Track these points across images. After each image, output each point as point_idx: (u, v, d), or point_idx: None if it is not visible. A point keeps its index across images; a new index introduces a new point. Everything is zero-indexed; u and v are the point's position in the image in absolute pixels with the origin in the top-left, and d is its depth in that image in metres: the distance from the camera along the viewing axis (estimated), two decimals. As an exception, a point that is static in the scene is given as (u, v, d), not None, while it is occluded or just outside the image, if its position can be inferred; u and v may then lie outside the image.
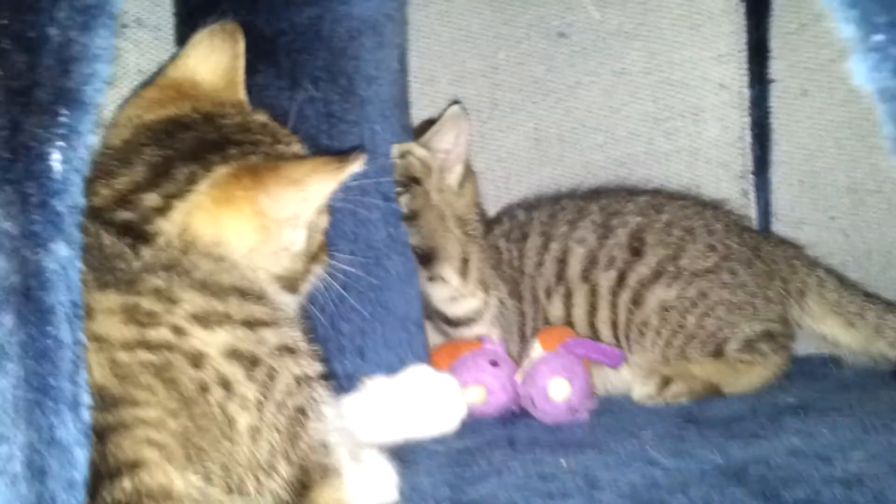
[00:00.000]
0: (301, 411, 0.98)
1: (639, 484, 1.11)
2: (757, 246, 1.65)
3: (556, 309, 1.64)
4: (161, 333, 0.92)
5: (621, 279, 1.60)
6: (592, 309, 1.62)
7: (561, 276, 1.64)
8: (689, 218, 1.65)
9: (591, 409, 1.46)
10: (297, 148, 1.17)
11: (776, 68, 1.77)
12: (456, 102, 1.68)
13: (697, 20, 1.79)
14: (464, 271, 1.64)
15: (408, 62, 1.68)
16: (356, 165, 1.06)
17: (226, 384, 0.92)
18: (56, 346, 0.79)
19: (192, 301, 0.95)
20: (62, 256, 0.79)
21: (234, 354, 0.94)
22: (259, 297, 1.03)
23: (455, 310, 1.66)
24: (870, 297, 1.63)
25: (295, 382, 0.99)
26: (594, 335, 1.62)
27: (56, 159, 0.77)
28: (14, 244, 0.79)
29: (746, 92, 1.79)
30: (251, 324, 0.97)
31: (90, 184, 1.00)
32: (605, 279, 1.61)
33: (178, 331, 0.92)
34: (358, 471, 1.08)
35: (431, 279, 1.64)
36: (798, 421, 1.32)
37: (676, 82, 1.82)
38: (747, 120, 1.79)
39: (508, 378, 1.50)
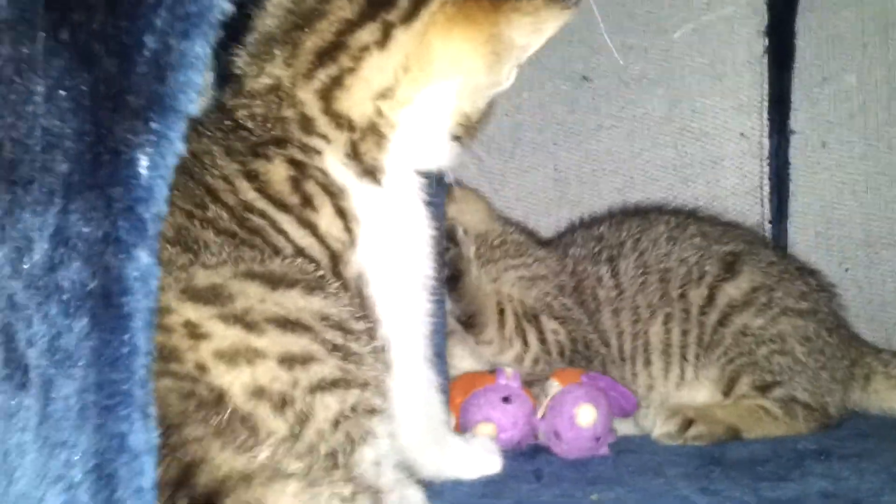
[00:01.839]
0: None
1: (675, 519, 1.11)
2: (839, 321, 1.69)
3: (656, 332, 1.66)
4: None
5: (711, 297, 1.63)
6: (685, 329, 1.65)
7: (664, 295, 1.66)
8: (789, 264, 1.68)
9: (611, 442, 1.47)
10: None
11: (797, 120, 1.80)
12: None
13: (720, 70, 1.82)
14: (501, 323, 1.65)
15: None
16: (575, 12, 1.14)
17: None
18: (131, 352, 0.78)
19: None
20: (143, 264, 0.79)
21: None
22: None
23: (502, 359, 1.66)
24: None
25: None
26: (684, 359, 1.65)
27: (144, 165, 0.78)
28: (94, 249, 0.78)
29: (766, 142, 1.82)
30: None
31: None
32: (698, 296, 1.64)
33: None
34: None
35: (477, 343, 1.66)
36: (822, 466, 1.33)
37: (697, 130, 1.85)
38: (766, 170, 1.82)
39: (521, 414, 1.49)
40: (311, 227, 1.10)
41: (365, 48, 1.11)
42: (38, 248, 0.79)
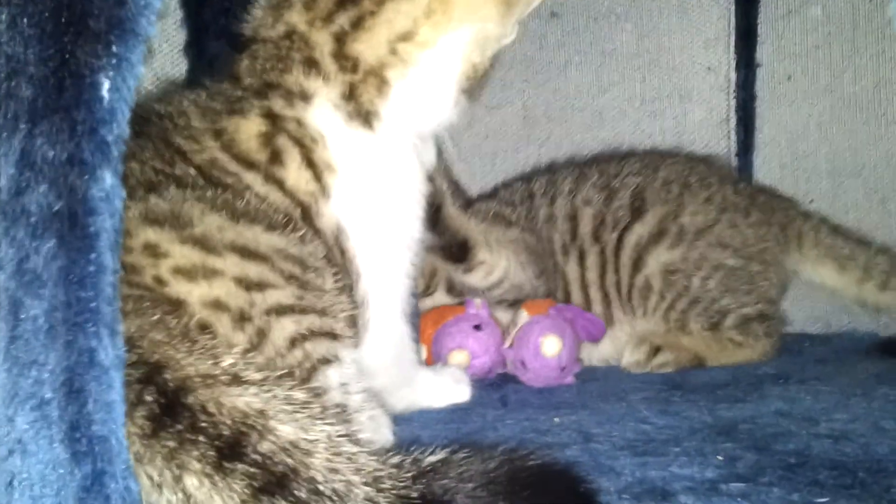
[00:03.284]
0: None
1: (633, 438, 1.15)
2: (752, 195, 1.71)
3: (571, 268, 1.69)
4: None
5: (620, 240, 1.65)
6: (602, 271, 1.67)
7: (574, 236, 1.69)
8: (685, 173, 1.69)
9: (577, 372, 1.51)
10: None
11: (763, 53, 1.82)
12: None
13: (687, 4, 1.84)
14: (487, 242, 1.67)
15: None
16: None
17: None
18: (98, 271, 0.80)
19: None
20: (108, 185, 0.80)
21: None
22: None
23: (494, 277, 1.68)
24: (862, 241, 1.69)
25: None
26: (606, 299, 1.68)
27: (106, 88, 0.79)
28: (59, 172, 0.80)
29: (733, 76, 1.84)
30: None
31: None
32: (610, 241, 1.66)
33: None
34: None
35: (468, 270, 1.67)
36: (780, 388, 1.37)
37: (664, 64, 1.87)
38: (733, 103, 1.84)
39: (492, 341, 1.54)
40: (278, 183, 1.14)
41: None
42: (4, 173, 0.81)
